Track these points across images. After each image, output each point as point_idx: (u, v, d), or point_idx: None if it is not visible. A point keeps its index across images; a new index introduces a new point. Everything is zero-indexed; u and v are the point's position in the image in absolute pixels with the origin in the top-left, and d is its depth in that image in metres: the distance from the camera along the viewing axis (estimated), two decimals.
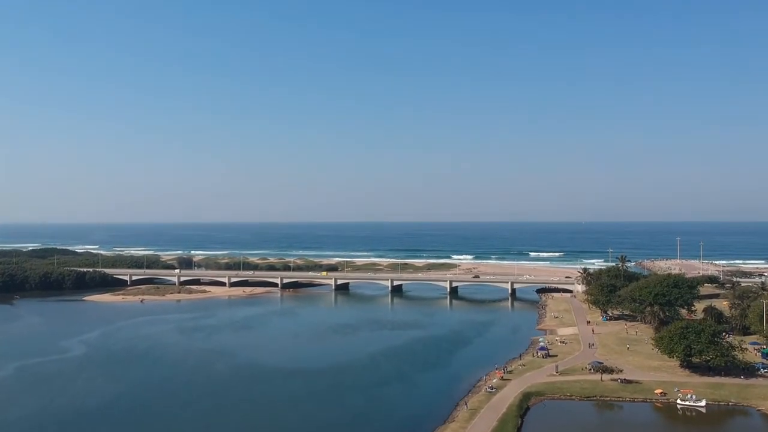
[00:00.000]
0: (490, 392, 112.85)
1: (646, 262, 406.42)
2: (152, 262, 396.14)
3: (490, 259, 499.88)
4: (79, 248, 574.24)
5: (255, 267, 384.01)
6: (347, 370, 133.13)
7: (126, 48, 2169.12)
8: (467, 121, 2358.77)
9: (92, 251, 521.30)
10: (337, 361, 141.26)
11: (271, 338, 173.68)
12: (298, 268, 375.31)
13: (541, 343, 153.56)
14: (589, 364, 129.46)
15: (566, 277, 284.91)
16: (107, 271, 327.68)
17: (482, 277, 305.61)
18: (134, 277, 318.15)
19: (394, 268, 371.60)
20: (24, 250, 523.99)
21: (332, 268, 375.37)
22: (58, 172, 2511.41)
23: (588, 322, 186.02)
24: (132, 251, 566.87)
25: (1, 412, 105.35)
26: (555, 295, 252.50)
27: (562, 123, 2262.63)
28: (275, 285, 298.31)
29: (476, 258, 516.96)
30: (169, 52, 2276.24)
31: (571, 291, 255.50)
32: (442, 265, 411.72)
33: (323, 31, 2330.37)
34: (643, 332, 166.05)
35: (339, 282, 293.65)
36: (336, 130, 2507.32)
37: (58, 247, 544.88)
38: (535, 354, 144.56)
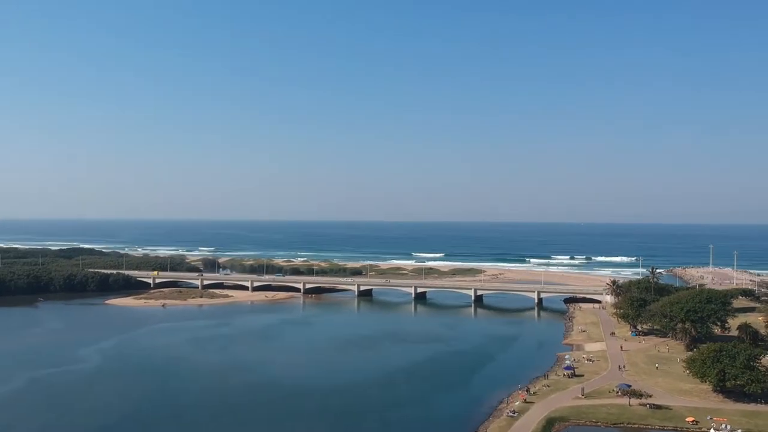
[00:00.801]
0: (511, 417, 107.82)
1: (678, 270, 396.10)
2: (177, 264, 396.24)
3: (514, 262, 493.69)
4: (107, 248, 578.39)
5: (280, 269, 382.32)
6: (363, 389, 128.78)
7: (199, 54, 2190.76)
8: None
9: (119, 251, 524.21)
10: (354, 379, 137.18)
11: (288, 351, 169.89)
12: (323, 272, 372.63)
13: (567, 361, 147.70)
14: (616, 386, 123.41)
15: (594, 287, 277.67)
16: (131, 273, 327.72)
17: (508, 285, 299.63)
18: (157, 280, 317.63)
19: (418, 272, 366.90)
20: (52, 248, 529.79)
21: (356, 272, 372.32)
22: (98, 168, 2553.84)
23: (613, 334, 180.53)
24: (159, 251, 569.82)
25: (8, 430, 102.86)
26: (583, 305, 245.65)
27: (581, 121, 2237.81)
28: (298, 290, 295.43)
29: (498, 260, 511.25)
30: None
31: (599, 301, 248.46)
32: (468, 270, 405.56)
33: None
34: (673, 349, 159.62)
35: (362, 288, 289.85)
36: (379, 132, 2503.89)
37: (85, 247, 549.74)
38: (560, 373, 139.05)
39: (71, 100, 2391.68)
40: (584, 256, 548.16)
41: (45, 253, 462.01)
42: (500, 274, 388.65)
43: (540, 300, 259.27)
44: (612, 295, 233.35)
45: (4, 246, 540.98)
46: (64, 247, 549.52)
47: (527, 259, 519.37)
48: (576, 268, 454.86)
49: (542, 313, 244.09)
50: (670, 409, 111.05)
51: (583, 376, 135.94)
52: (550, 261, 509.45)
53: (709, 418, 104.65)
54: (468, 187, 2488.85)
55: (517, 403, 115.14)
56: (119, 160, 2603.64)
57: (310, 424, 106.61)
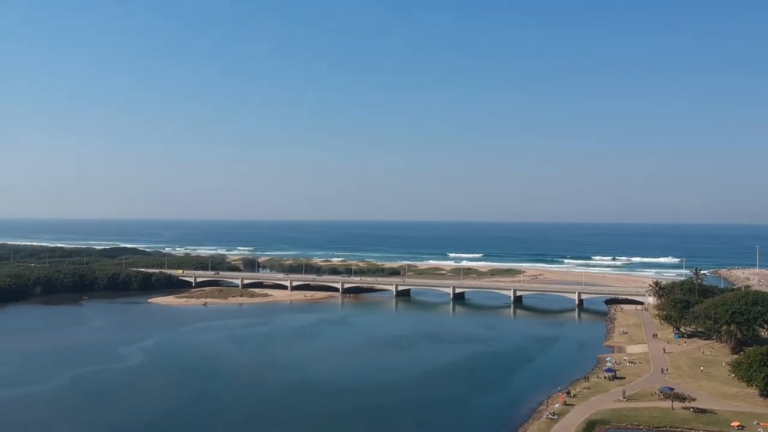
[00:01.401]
0: (551, 419, 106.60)
1: (723, 271, 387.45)
2: (218, 263, 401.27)
3: (554, 263, 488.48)
4: (149, 247, 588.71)
5: (318, 269, 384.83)
6: (401, 388, 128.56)
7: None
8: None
9: (161, 250, 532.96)
10: (392, 379, 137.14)
11: (326, 350, 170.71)
12: (361, 272, 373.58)
13: (609, 364, 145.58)
14: (659, 389, 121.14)
15: (636, 288, 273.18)
16: (173, 272, 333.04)
17: (548, 286, 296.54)
18: (199, 279, 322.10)
19: (456, 273, 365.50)
20: (96, 248, 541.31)
21: (394, 272, 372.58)
22: (146, 170, 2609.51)
23: (656, 336, 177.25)
24: (200, 250, 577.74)
25: (50, 428, 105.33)
26: (624, 307, 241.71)
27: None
28: (336, 290, 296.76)
29: (538, 260, 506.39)
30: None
31: (641, 303, 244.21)
32: (507, 270, 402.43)
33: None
34: (718, 352, 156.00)
35: (400, 288, 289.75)
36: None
37: (128, 246, 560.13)
38: (601, 375, 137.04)
39: (106, 103, 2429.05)
40: (626, 257, 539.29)
41: (89, 252, 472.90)
42: (540, 274, 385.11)
43: (581, 301, 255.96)
44: (654, 296, 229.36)
45: (51, 245, 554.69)
46: (108, 247, 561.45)
47: (567, 260, 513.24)
48: (617, 269, 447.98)
49: (583, 315, 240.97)
50: (715, 413, 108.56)
51: (624, 378, 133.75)
52: (590, 262, 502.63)
53: (756, 423, 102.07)
54: (504, 186, 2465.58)
55: (557, 405, 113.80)
56: (168, 163, 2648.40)
57: (348, 423, 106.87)
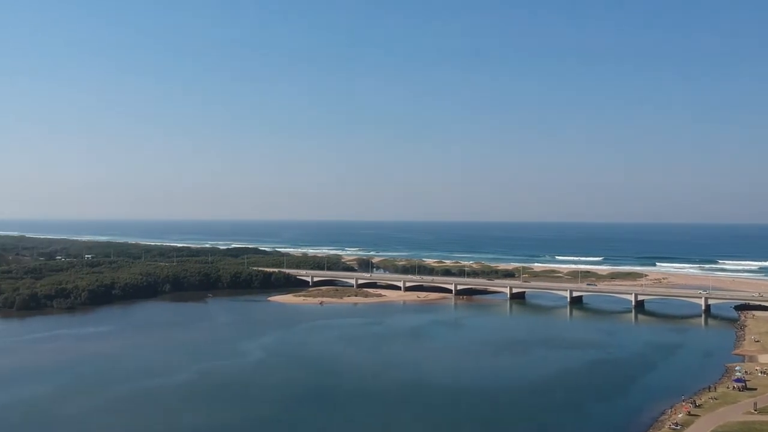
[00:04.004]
0: (674, 429, 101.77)
1: None
2: (333, 263, 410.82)
3: (677, 265, 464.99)
4: (269, 247, 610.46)
5: (431, 270, 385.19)
6: (515, 393, 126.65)
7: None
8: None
9: (280, 250, 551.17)
10: (505, 383, 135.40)
11: (439, 352, 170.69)
12: (474, 273, 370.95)
13: (738, 373, 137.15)
14: None
15: None
16: (291, 271, 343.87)
17: (671, 290, 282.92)
18: (315, 279, 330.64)
19: (574, 276, 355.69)
20: (220, 248, 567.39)
21: (509, 274, 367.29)
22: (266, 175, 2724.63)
23: None
24: (316, 250, 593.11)
25: (177, 417, 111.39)
26: (756, 313, 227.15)
27: None
28: (449, 291, 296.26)
29: (660, 262, 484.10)
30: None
31: None
32: (628, 273, 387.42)
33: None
34: None
35: (515, 290, 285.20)
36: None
37: (249, 247, 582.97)
38: (729, 385, 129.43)
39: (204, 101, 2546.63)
40: (759, 261, 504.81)
41: (214, 252, 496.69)
42: (663, 278, 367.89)
43: (707, 306, 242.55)
44: None
45: (179, 245, 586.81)
46: (231, 247, 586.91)
47: (692, 263, 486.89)
48: (749, 273, 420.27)
49: (710, 321, 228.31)
50: None
51: (756, 389, 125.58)
52: (717, 265, 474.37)
53: None
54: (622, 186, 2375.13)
55: (680, 415, 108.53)
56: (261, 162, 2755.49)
57: (462, 425, 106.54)
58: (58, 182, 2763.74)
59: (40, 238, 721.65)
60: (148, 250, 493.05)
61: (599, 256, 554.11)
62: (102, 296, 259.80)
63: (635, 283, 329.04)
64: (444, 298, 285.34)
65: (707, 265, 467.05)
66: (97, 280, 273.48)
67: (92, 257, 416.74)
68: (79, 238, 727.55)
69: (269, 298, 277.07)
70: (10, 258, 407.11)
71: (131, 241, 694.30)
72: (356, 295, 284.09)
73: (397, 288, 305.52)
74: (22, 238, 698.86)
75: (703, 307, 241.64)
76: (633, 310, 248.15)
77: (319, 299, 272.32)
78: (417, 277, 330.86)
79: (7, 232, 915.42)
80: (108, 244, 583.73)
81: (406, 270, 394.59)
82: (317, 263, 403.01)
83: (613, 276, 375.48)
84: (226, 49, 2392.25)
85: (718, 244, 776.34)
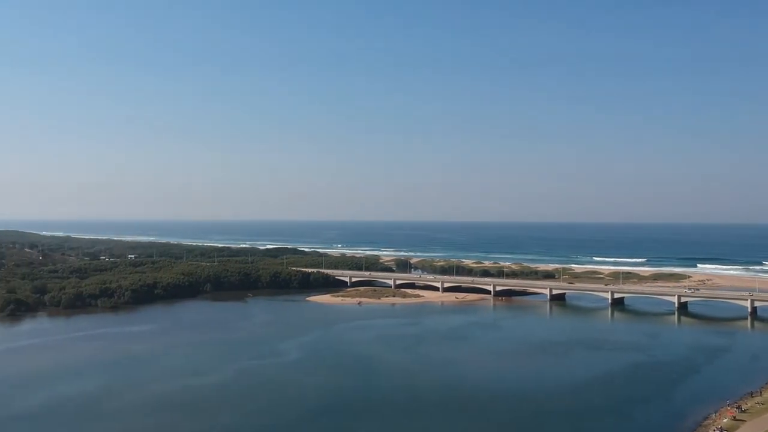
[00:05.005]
0: None
1: None
2: (371, 264, 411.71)
3: (722, 266, 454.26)
4: (308, 247, 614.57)
5: (469, 271, 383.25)
6: (555, 395, 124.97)
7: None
8: None
9: (318, 250, 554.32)
10: (544, 385, 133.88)
11: (477, 353, 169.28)
12: (513, 274, 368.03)
13: None
14: None
15: None
16: (329, 272, 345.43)
17: (716, 292, 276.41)
18: (354, 279, 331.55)
19: (615, 277, 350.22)
20: (260, 248, 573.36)
21: (549, 275, 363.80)
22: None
23: None
24: (354, 251, 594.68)
25: (215, 414, 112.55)
26: None
27: None
28: (488, 292, 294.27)
29: (703, 261, 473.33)
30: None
31: None
32: (671, 275, 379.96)
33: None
34: None
35: (555, 292, 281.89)
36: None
37: (288, 247, 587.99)
38: None
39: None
40: None
41: (254, 252, 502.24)
42: (707, 279, 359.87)
43: (754, 309, 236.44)
44: None
45: (219, 245, 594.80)
46: (270, 247, 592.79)
47: (737, 264, 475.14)
48: None
49: (756, 324, 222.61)
50: None
51: None
52: (764, 266, 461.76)
53: None
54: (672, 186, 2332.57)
55: (725, 420, 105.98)
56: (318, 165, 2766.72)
57: (500, 427, 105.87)
58: (110, 183, 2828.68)
59: (84, 238, 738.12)
60: (189, 250, 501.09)
61: (641, 257, 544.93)
62: (144, 296, 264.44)
63: (678, 284, 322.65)
64: (482, 299, 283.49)
65: (753, 267, 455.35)
66: (139, 280, 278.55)
67: (135, 257, 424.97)
68: (122, 239, 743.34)
69: (308, 298, 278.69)
70: (57, 258, 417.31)
71: (173, 241, 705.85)
72: (394, 296, 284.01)
73: (435, 289, 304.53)
74: (67, 239, 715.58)
75: (749, 310, 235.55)
76: (676, 312, 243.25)
77: (358, 299, 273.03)
78: (456, 278, 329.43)
79: (54, 232, 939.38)
80: (151, 245, 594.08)
81: (444, 271, 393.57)
82: (355, 264, 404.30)
83: (656, 277, 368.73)
84: (226, 48, 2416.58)
85: (764, 245, 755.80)
